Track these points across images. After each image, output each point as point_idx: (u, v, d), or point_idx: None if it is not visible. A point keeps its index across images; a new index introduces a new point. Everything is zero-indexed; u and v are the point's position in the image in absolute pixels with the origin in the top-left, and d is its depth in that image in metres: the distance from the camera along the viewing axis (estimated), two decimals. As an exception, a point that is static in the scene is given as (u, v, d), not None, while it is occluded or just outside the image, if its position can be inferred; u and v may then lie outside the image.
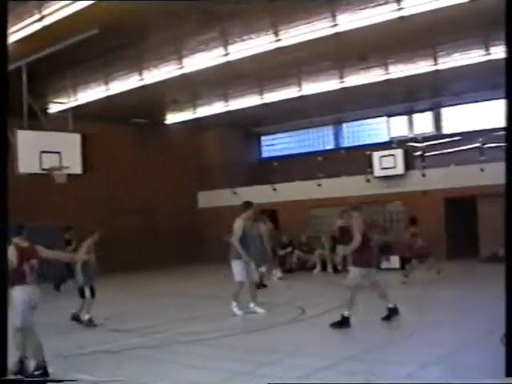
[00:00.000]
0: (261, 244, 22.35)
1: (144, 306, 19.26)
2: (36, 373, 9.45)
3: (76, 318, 15.59)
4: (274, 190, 34.09)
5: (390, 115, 36.40)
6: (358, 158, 31.24)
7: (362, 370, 9.68)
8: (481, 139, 28.81)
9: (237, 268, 16.18)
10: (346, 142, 38.61)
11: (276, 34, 22.04)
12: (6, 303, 7.43)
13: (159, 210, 33.98)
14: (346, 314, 13.33)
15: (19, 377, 9.38)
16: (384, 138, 36.34)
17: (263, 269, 22.27)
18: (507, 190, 6.53)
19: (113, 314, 16.82)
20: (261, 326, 14.28)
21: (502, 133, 26.55)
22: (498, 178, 26.09)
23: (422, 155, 30.90)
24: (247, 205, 17.31)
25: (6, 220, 7.45)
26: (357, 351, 11.05)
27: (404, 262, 23.82)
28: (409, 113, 35.74)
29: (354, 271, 13.71)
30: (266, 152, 42.49)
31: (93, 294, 15.47)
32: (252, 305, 16.20)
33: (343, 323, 13.25)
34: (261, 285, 21.86)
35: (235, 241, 16.17)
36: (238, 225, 16.47)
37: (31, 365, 9.74)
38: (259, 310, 16.03)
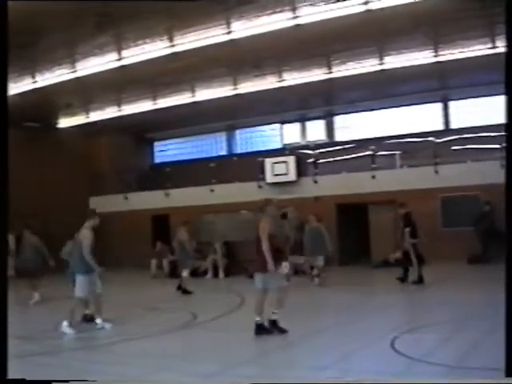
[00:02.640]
0: (183, 249, 22.00)
1: (37, 312, 18.89)
2: None
3: None
4: (167, 195, 33.92)
5: (283, 122, 36.70)
6: (250, 165, 31.27)
7: (255, 374, 9.66)
8: (373, 147, 29.29)
9: (81, 282, 14.65)
10: (239, 149, 38.66)
11: (171, 39, 21.94)
12: (5, 303, 7.18)
13: (50, 215, 33.21)
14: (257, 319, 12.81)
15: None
16: (277, 145, 36.64)
17: (185, 274, 21.86)
18: (507, 190, 6.58)
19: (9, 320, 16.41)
20: (153, 332, 14.08)
21: (394, 141, 27.05)
22: (388, 185, 26.67)
23: (314, 162, 31.16)
24: (93, 213, 15.69)
25: (6, 219, 7.23)
26: (249, 356, 11.03)
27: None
28: (302, 120, 36.10)
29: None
30: (159, 157, 42.18)
31: None
32: (99, 320, 14.88)
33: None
34: (185, 291, 21.47)
35: (87, 253, 14.56)
36: (88, 236, 14.88)
37: None
38: (107, 325, 14.75)
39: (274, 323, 12.86)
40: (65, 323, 14.44)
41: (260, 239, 12.78)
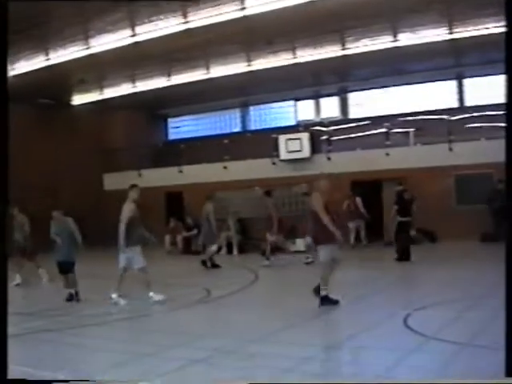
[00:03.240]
0: (208, 224, 22.02)
1: (43, 289, 18.99)
2: None
3: None
4: (181, 172, 33.94)
5: (297, 99, 36.62)
6: (264, 141, 31.22)
7: (266, 352, 9.63)
8: (387, 124, 29.20)
9: (133, 255, 14.86)
10: (253, 125, 38.62)
11: (184, 15, 21.89)
12: (6, 302, 7.23)
13: (64, 192, 33.19)
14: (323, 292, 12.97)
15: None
16: (291, 122, 36.56)
17: (213, 249, 22.17)
18: (508, 177, 6.53)
19: (16, 297, 16.47)
20: (166, 308, 14.12)
21: (408, 118, 26.81)
22: (402, 162, 26.53)
23: (328, 139, 31.12)
24: (132, 186, 15.42)
25: (6, 200, 7.27)
26: (260, 333, 11.00)
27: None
28: (316, 97, 36.01)
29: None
30: (173, 134, 42.17)
31: None
32: (114, 295, 14.67)
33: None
34: (213, 265, 21.96)
35: (122, 225, 14.55)
36: (129, 209, 14.80)
37: None
38: (121, 301, 14.54)
39: (325, 298, 12.93)
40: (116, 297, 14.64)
41: (314, 214, 12.91)
